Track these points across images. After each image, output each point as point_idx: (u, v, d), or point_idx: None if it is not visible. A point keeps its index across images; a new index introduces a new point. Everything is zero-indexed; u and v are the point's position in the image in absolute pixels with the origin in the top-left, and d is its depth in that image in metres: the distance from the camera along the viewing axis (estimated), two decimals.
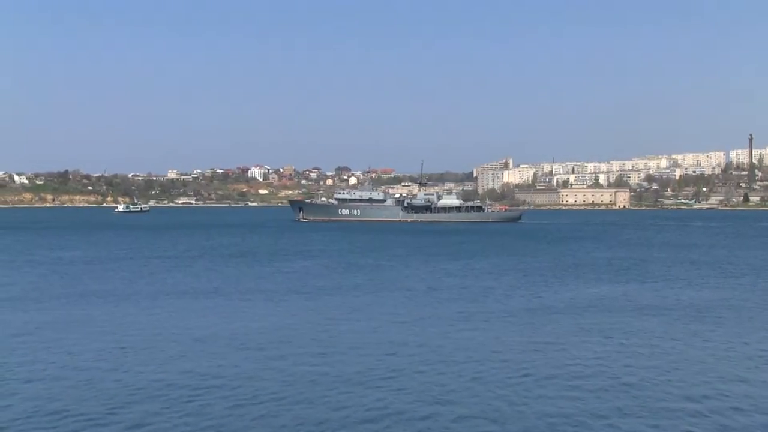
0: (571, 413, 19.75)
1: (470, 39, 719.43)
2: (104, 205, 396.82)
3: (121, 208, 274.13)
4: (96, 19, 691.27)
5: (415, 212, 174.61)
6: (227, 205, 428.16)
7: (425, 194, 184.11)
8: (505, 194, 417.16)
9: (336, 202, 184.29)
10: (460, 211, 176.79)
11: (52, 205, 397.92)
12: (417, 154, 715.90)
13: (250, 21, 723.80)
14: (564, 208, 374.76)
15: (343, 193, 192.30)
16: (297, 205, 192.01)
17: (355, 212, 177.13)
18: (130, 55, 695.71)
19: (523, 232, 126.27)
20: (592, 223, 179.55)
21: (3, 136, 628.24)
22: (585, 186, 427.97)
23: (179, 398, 21.02)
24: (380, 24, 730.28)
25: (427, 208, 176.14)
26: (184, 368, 24.40)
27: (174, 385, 22.39)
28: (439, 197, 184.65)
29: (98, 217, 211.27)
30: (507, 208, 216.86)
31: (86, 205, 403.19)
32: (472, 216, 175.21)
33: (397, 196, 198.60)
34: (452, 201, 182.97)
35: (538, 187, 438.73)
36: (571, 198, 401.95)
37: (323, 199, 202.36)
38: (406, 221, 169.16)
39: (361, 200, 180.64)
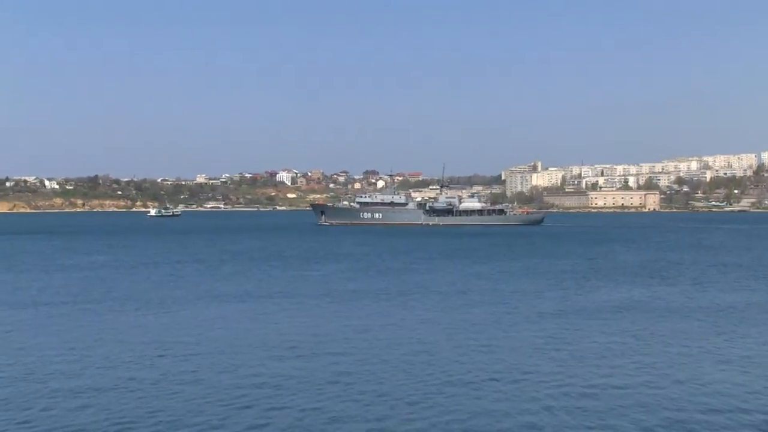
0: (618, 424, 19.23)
1: (497, 41, 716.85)
2: (133, 209, 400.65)
3: (153, 212, 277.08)
4: (122, 25, 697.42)
5: (437, 216, 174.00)
6: (255, 209, 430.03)
7: (447, 198, 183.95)
8: (533, 197, 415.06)
9: (358, 206, 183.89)
10: (481, 214, 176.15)
11: (82, 209, 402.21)
12: (445, 158, 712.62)
13: (280, 25, 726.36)
14: (593, 210, 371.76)
15: (365, 197, 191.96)
16: (319, 209, 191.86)
17: (376, 216, 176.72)
18: (157, 61, 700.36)
19: (547, 235, 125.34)
20: (619, 225, 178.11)
21: (34, 142, 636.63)
22: (614, 189, 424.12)
23: (229, 403, 20.85)
24: (401, 25, 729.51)
25: (449, 211, 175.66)
26: (225, 373, 24.22)
27: (218, 390, 22.16)
28: (461, 200, 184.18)
29: (131, 222, 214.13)
30: (529, 210, 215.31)
31: (116, 209, 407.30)
32: (494, 219, 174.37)
33: (419, 199, 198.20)
34: (474, 204, 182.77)
35: (567, 190, 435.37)
36: (600, 201, 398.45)
37: (345, 202, 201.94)
38: (428, 224, 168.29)
39: (383, 204, 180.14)
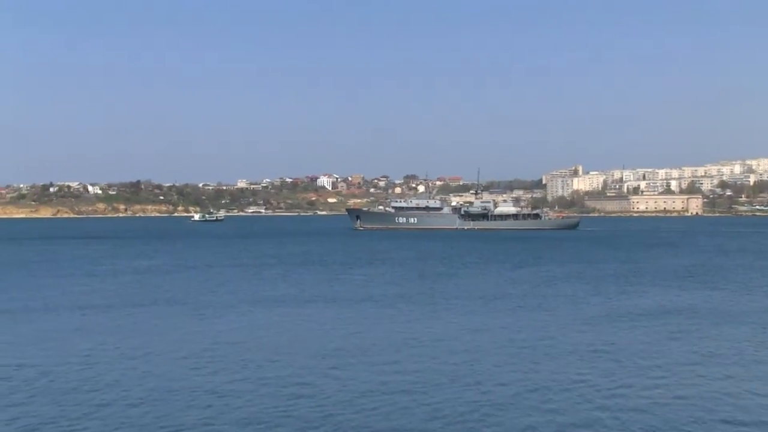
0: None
1: (536, 44, 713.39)
2: (175, 214, 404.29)
3: (197, 217, 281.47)
4: (165, 32, 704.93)
5: (472, 220, 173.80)
6: (296, 213, 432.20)
7: (482, 202, 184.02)
8: (574, 201, 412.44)
9: (393, 211, 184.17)
10: (516, 219, 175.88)
11: (124, 214, 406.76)
12: (486, 162, 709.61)
13: (322, 30, 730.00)
14: (635, 215, 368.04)
15: (401, 202, 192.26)
16: (355, 214, 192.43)
17: (412, 220, 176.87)
18: (198, 66, 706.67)
19: (584, 239, 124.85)
20: (657, 229, 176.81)
21: (77, 148, 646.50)
22: (656, 193, 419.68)
23: (277, 410, 20.90)
24: (443, 28, 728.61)
25: (484, 215, 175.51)
26: (276, 377, 24.41)
27: (268, 393, 22.38)
28: (496, 205, 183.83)
29: (176, 226, 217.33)
30: (564, 215, 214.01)
31: (157, 214, 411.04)
32: (529, 223, 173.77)
33: (453, 203, 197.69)
34: (509, 208, 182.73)
35: (608, 194, 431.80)
36: (642, 205, 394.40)
37: (381, 207, 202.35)
38: (463, 229, 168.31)
39: (418, 208, 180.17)
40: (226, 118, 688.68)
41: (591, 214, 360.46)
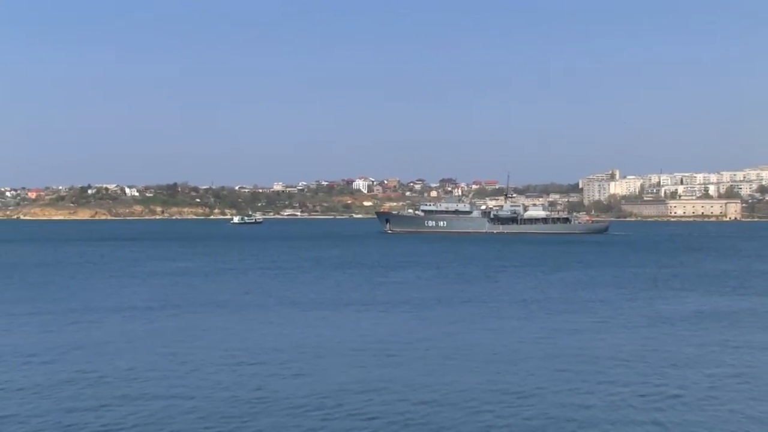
0: None
1: (573, 46, 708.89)
2: (211, 217, 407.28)
3: (236, 219, 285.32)
4: (199, 33, 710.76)
5: (501, 224, 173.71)
6: (332, 216, 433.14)
7: (512, 206, 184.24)
8: (611, 206, 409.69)
9: (422, 214, 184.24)
10: (546, 223, 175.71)
11: (161, 216, 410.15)
12: (522, 166, 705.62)
13: (360, 37, 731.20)
14: (672, 219, 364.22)
15: (430, 205, 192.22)
16: (384, 217, 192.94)
17: (441, 224, 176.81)
18: (233, 68, 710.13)
19: (614, 243, 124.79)
20: (695, 235, 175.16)
21: (115, 150, 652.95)
22: (694, 197, 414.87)
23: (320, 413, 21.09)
24: (475, 30, 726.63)
25: (513, 219, 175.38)
26: (320, 380, 24.61)
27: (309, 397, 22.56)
28: (526, 209, 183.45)
29: (216, 229, 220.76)
30: (594, 219, 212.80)
31: (194, 217, 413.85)
32: (558, 227, 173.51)
33: (483, 207, 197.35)
34: (538, 212, 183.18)
35: (645, 199, 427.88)
36: (679, 209, 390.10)
37: (410, 210, 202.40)
38: (492, 233, 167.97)
39: (447, 212, 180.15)
40: (262, 121, 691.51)
41: (628, 219, 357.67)
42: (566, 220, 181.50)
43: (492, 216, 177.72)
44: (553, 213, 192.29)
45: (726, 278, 59.93)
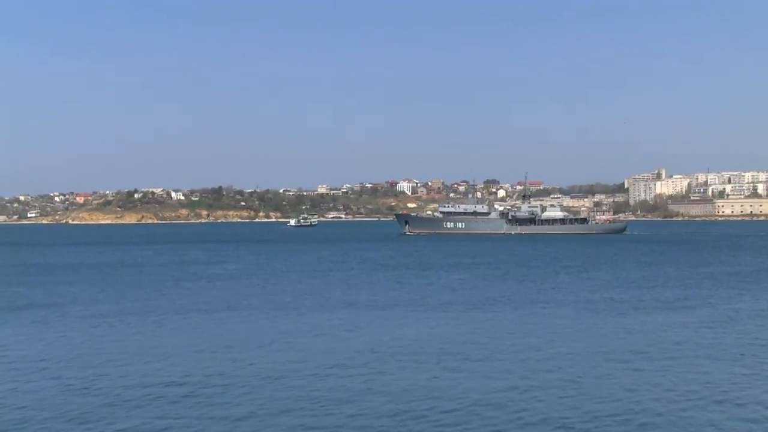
0: None
1: (619, 46, 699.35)
2: (256, 220, 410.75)
3: (292, 222, 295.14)
4: (245, 33, 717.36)
5: (519, 225, 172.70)
6: (376, 218, 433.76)
7: (529, 207, 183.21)
8: (657, 205, 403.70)
9: (441, 216, 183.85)
10: (563, 223, 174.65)
11: (206, 220, 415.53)
12: (568, 166, 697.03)
13: (401, 35, 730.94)
14: (720, 219, 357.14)
15: (448, 207, 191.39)
16: (403, 219, 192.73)
17: (459, 225, 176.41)
18: (279, 72, 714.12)
19: (634, 242, 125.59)
20: (744, 234, 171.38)
21: (162, 155, 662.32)
22: (742, 196, 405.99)
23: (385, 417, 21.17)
24: (525, 30, 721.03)
25: (531, 220, 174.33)
26: (366, 381, 24.83)
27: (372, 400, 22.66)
28: (543, 209, 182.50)
29: (273, 232, 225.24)
30: (611, 219, 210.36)
31: (239, 220, 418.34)
32: (576, 228, 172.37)
33: (500, 208, 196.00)
34: (556, 213, 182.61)
35: (692, 198, 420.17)
36: (727, 209, 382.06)
37: (429, 212, 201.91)
38: (510, 234, 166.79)
39: (465, 213, 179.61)
40: (305, 124, 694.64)
41: (675, 218, 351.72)
42: (583, 220, 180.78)
43: (510, 217, 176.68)
44: (569, 214, 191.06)
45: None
